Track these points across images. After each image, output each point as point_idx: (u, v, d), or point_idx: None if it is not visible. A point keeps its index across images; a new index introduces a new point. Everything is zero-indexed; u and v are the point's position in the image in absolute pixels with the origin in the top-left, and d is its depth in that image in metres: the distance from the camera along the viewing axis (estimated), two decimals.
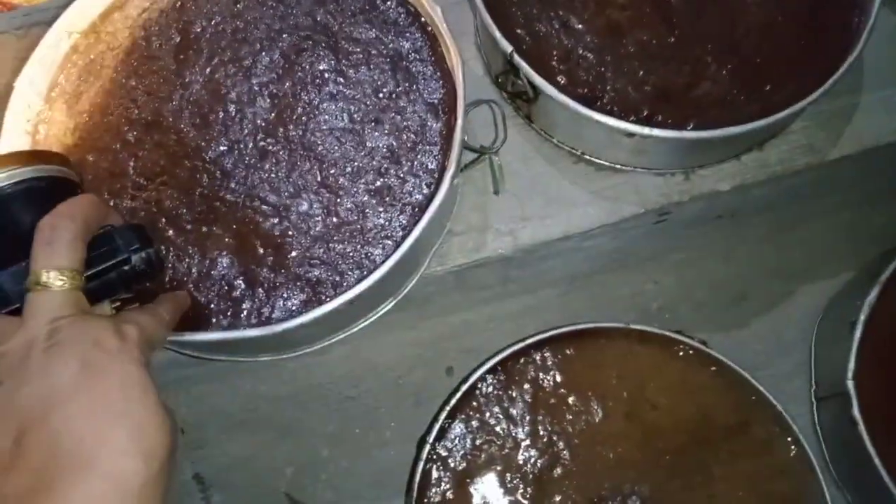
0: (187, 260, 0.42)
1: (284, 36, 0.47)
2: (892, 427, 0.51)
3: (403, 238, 0.41)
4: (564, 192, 0.50)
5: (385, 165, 0.44)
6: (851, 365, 0.51)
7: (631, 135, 0.44)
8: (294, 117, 0.45)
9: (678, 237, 0.58)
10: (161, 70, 0.47)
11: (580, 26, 0.47)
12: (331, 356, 0.57)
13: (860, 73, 0.52)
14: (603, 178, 0.50)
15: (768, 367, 0.58)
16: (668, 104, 0.45)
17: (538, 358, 0.54)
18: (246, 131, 0.45)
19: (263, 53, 0.47)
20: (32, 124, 0.46)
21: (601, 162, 0.50)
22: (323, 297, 0.41)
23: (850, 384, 0.51)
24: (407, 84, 0.46)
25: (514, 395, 0.53)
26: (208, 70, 0.46)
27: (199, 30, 0.47)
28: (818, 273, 0.62)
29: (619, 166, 0.50)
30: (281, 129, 0.45)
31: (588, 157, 0.50)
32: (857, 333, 0.51)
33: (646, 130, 0.43)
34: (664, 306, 0.62)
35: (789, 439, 0.51)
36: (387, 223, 0.43)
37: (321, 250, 0.43)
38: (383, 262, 0.40)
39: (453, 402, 0.51)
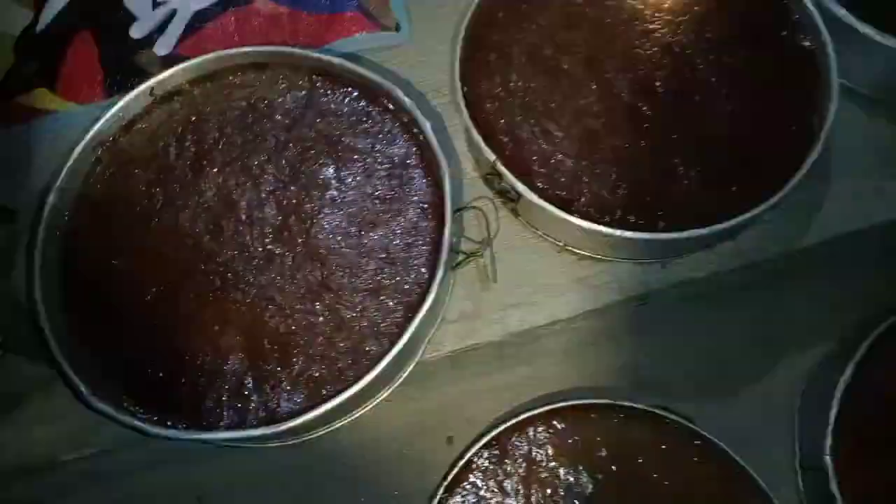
0: (201, 357, 0.47)
1: (290, 145, 0.52)
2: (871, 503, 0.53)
3: (399, 335, 0.45)
4: (549, 280, 0.54)
5: (381, 266, 0.48)
6: (829, 441, 0.53)
7: (606, 235, 0.47)
8: (298, 222, 0.50)
9: (665, 314, 0.61)
10: (178, 179, 0.52)
11: (559, 133, 0.51)
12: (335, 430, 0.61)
13: (828, 162, 0.55)
14: (585, 268, 0.54)
15: (756, 435, 0.61)
16: (641, 206, 0.49)
17: (531, 433, 0.57)
18: (255, 236, 0.50)
19: (271, 163, 0.51)
20: (62, 232, 0.51)
21: (582, 252, 0.54)
22: (324, 393, 0.45)
23: (828, 459, 0.53)
24: (400, 190, 0.50)
25: (508, 469, 0.56)
26: (221, 179, 0.51)
27: (212, 141, 0.52)
28: (802, 343, 0.64)
29: (598, 256, 0.53)
30: (286, 233, 0.50)
31: (570, 248, 0.54)
32: (833, 412, 0.54)
33: (618, 233, 0.47)
34: (655, 376, 0.65)
35: None
36: (382, 320, 0.47)
37: (322, 347, 0.47)
38: (380, 358, 0.44)
39: (450, 477, 0.55)
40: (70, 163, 0.51)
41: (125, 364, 0.47)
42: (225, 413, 0.45)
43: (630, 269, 0.54)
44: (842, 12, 0.51)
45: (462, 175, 0.56)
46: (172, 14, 0.65)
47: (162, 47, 0.64)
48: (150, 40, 0.64)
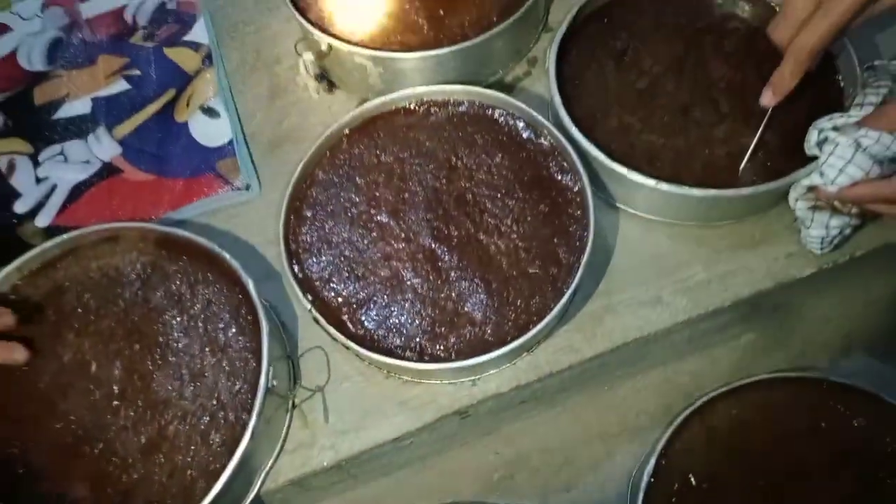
0: None
1: (136, 308, 0.60)
2: None
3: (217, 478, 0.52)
4: (377, 405, 0.61)
5: (214, 411, 0.55)
6: None
7: (407, 368, 0.55)
8: (139, 378, 0.57)
9: (502, 418, 0.68)
10: (40, 345, 0.59)
11: (370, 277, 0.60)
12: None
13: (610, 278, 0.64)
14: (408, 389, 0.61)
15: None
16: (437, 337, 0.57)
17: None
18: (103, 394, 0.57)
19: (119, 325, 0.59)
20: None
21: (405, 377, 0.61)
22: None
23: None
24: (233, 340, 0.58)
25: None
26: (77, 343, 0.59)
27: (69, 308, 0.60)
28: (634, 433, 0.71)
29: (415, 380, 0.61)
30: (129, 389, 0.56)
31: (394, 374, 0.61)
32: (640, 495, 0.61)
33: (413, 366, 0.54)
34: (504, 475, 0.71)
35: None
36: (212, 463, 0.54)
37: (159, 492, 0.53)
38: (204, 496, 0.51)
39: None
40: None
41: None
42: None
43: (445, 389, 0.61)
44: (597, 154, 0.61)
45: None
46: (53, 189, 0.74)
47: (42, 218, 0.72)
48: (31, 214, 0.73)
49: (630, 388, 0.72)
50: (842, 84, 0.65)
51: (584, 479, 0.70)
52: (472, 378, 0.61)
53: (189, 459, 0.54)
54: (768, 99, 0.60)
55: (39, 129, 0.77)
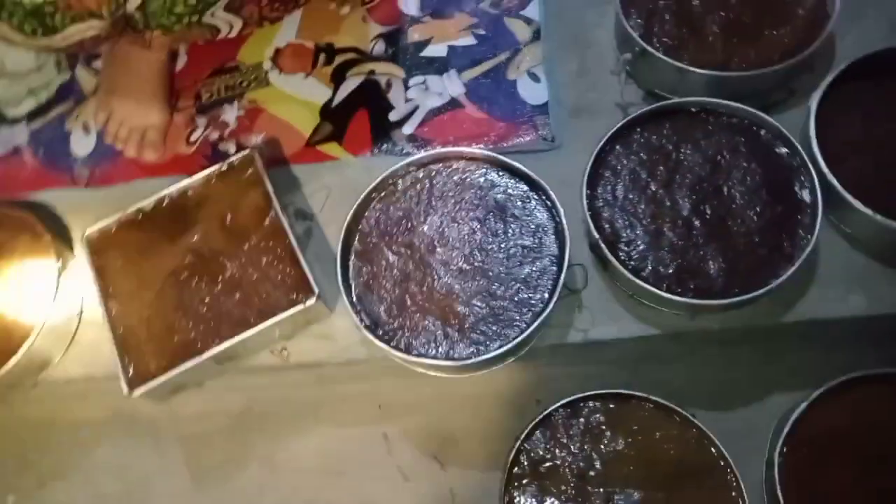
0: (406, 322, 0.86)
1: (478, 209, 0.90)
2: None
3: (533, 320, 0.82)
4: (619, 314, 0.89)
5: (521, 287, 0.85)
6: (780, 444, 0.84)
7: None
8: (481, 256, 0.87)
9: (696, 349, 0.94)
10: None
11: (638, 225, 0.86)
12: (468, 380, 0.98)
13: (815, 272, 0.86)
14: (643, 310, 0.88)
15: (741, 439, 0.92)
16: (680, 281, 0.83)
17: (592, 405, 0.91)
18: (455, 256, 0.88)
19: (473, 216, 0.89)
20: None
21: (643, 301, 0.88)
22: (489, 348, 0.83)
23: (776, 457, 0.84)
24: (539, 244, 0.87)
25: (573, 423, 0.91)
26: (437, 221, 0.90)
27: (428, 199, 0.91)
28: (796, 387, 0.94)
29: (652, 305, 0.87)
30: (469, 263, 0.87)
31: (636, 297, 0.88)
32: (788, 426, 0.85)
33: (658, 292, 0.81)
34: (682, 390, 0.97)
35: None
36: (516, 318, 0.84)
37: (483, 325, 0.84)
38: (510, 342, 0.81)
39: (537, 418, 0.90)
40: (362, 196, 0.91)
41: None
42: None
43: (671, 316, 0.87)
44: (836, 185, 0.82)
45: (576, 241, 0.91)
46: (416, 108, 1.05)
47: (408, 128, 1.04)
48: (400, 123, 1.04)
49: (798, 356, 0.94)
50: None
51: (742, 409, 0.95)
52: (693, 314, 0.86)
53: (506, 309, 0.84)
54: None
55: (410, 60, 1.08)
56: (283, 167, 1.04)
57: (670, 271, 0.84)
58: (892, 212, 0.81)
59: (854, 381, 0.86)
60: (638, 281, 0.83)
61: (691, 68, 0.90)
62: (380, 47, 1.09)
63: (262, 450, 1.02)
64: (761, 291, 0.79)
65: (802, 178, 0.85)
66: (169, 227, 0.94)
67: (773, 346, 0.93)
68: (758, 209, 0.85)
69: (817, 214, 0.82)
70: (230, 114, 1.10)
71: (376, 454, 0.99)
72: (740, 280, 0.82)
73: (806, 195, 0.84)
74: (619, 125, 0.91)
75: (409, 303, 0.87)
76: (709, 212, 0.86)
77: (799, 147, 0.85)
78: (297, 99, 1.08)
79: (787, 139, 0.86)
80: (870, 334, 0.89)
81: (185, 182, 0.97)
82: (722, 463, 0.86)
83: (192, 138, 1.09)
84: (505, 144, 1.00)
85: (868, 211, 0.81)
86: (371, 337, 0.83)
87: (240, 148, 1.05)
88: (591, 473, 0.89)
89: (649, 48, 0.92)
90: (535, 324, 0.81)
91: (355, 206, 0.90)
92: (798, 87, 0.96)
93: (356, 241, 0.91)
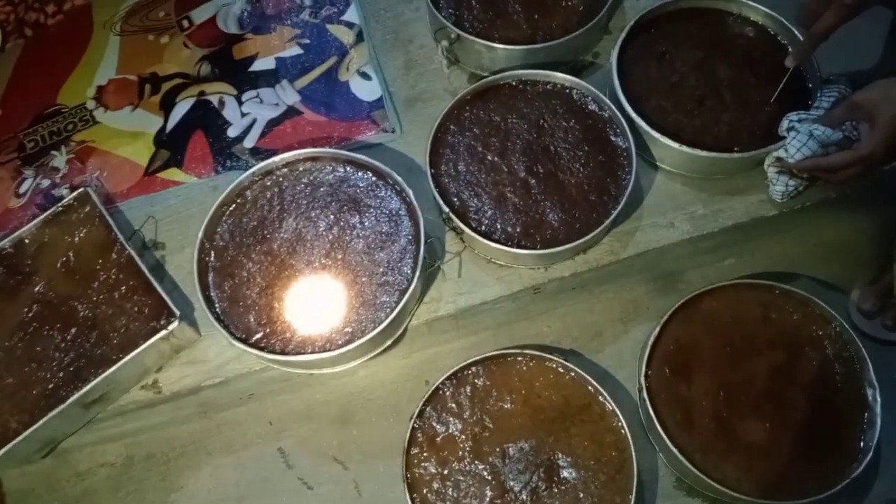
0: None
1: (332, 204, 0.92)
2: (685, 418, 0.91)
3: (401, 298, 0.84)
4: (481, 279, 0.94)
5: (384, 270, 0.88)
6: (643, 369, 0.92)
7: (509, 252, 0.87)
8: (339, 248, 0.89)
9: (557, 299, 1.01)
10: (267, 222, 0.91)
11: (485, 196, 0.92)
12: (355, 376, 0.99)
13: (641, 209, 0.96)
14: (502, 271, 0.94)
15: (614, 373, 1.00)
16: (526, 236, 0.89)
17: (474, 370, 0.95)
18: (313, 254, 0.89)
19: (322, 214, 0.91)
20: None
21: (499, 262, 0.93)
22: (365, 333, 0.84)
23: (643, 381, 0.92)
24: (396, 228, 0.90)
25: (460, 392, 0.95)
26: (294, 223, 0.91)
27: (288, 200, 0.92)
28: (645, 318, 1.04)
29: (509, 265, 0.93)
30: (330, 255, 0.89)
31: (493, 261, 0.94)
32: (647, 353, 0.93)
33: (509, 250, 0.87)
34: (554, 340, 1.04)
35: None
36: (384, 299, 0.86)
37: (354, 314, 0.86)
38: (382, 322, 0.84)
39: (426, 396, 0.93)
40: (211, 212, 0.90)
41: None
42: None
43: (527, 272, 0.93)
44: (641, 124, 0.92)
45: (428, 219, 0.96)
46: (254, 121, 1.05)
47: (249, 141, 1.04)
48: (240, 138, 1.04)
49: (644, 287, 1.04)
50: (810, 87, 0.95)
51: (608, 346, 1.03)
52: (546, 265, 0.93)
53: (371, 298, 0.87)
54: (789, 61, 0.91)
55: (239, 77, 1.08)
56: (126, 200, 1.01)
57: (518, 229, 0.90)
58: (695, 142, 0.92)
59: (694, 298, 0.96)
60: (491, 244, 0.88)
61: (502, 46, 0.98)
62: (206, 68, 1.09)
63: (153, 497, 0.97)
64: (598, 230, 0.87)
65: (615, 127, 0.95)
66: (6, 281, 0.89)
67: (623, 283, 1.02)
68: (582, 160, 0.93)
69: (632, 155, 0.91)
70: (59, 159, 1.05)
71: (275, 471, 0.97)
72: (579, 225, 0.90)
73: (620, 141, 0.94)
74: (448, 106, 0.96)
75: (277, 308, 0.87)
76: (541, 170, 0.93)
77: (607, 101, 0.95)
78: (128, 132, 1.06)
79: (596, 96, 0.96)
80: (701, 252, 1.00)
81: (18, 233, 0.92)
82: (600, 398, 0.93)
83: (21, 190, 1.03)
84: (349, 142, 1.02)
85: (674, 144, 0.91)
86: (244, 347, 0.83)
87: (74, 190, 1.01)
88: (486, 434, 0.92)
89: (462, 33, 0.99)
90: (405, 300, 0.84)
91: (205, 224, 0.89)
92: (601, 50, 1.06)
93: (212, 258, 0.90)
